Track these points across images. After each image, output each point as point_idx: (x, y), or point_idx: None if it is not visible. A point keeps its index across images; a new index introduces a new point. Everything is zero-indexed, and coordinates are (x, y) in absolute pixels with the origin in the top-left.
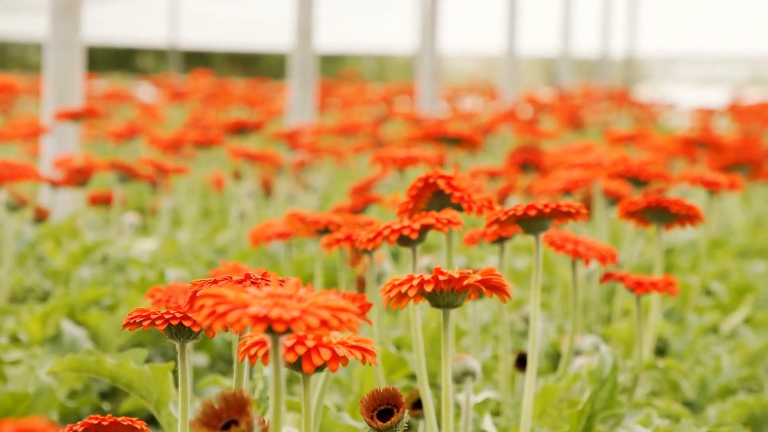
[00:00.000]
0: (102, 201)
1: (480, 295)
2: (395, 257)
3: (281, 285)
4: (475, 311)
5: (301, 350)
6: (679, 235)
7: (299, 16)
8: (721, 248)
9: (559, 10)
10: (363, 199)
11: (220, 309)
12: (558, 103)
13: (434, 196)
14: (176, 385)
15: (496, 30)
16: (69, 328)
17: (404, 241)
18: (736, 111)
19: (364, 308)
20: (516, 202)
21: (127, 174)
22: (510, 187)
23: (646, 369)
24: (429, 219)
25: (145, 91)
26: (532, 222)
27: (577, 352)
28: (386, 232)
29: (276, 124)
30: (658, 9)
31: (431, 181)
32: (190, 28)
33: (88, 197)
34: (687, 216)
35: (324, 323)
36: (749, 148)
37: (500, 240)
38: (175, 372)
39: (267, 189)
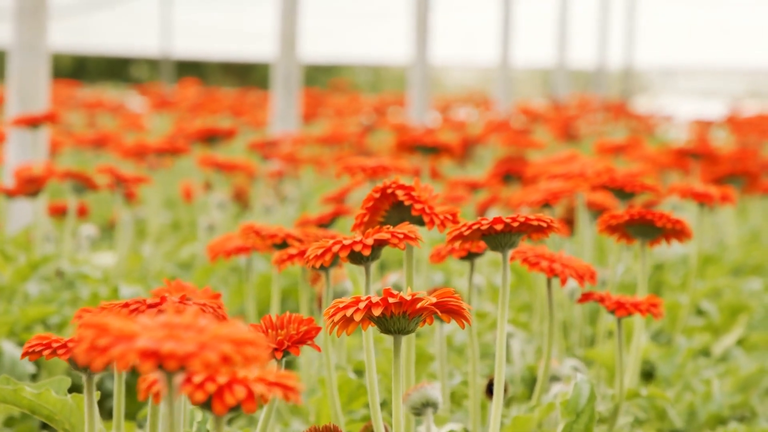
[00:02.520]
0: (63, 212)
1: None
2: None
3: (179, 312)
4: (442, 333)
5: (211, 388)
6: (670, 250)
7: (282, 24)
8: (713, 265)
9: (555, 20)
10: (331, 211)
11: (101, 342)
12: (553, 114)
13: (393, 209)
14: (110, 416)
15: (492, 41)
16: (9, 349)
17: (356, 258)
18: (734, 123)
19: (311, 332)
20: (497, 215)
21: (83, 184)
22: (493, 199)
23: (628, 398)
24: (383, 234)
25: (135, 100)
26: (499, 237)
27: (556, 378)
28: (335, 248)
29: (261, 133)
30: (657, 21)
31: (389, 191)
32: (183, 37)
33: (48, 208)
34: (673, 231)
35: (225, 359)
36: (745, 160)
37: (470, 256)
38: (101, 402)
39: (242, 200)
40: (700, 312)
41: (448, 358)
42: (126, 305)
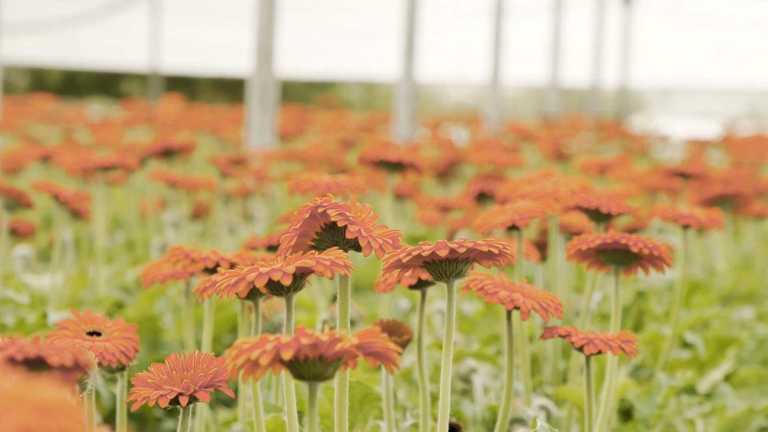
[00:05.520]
0: (13, 231)
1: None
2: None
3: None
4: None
5: None
6: (655, 275)
7: (258, 38)
8: (701, 292)
9: (549, 39)
10: (281, 232)
11: None
12: (544, 132)
13: (326, 231)
14: None
15: (484, 58)
16: None
17: (276, 287)
18: (730, 143)
19: (222, 374)
20: (467, 238)
21: (15, 200)
22: (467, 220)
23: None
24: (307, 260)
25: (120, 115)
26: (443, 265)
27: (520, 420)
28: (250, 277)
29: (238, 149)
30: (653, 40)
31: (320, 210)
32: (173, 53)
33: None
34: (650, 258)
35: None
36: (738, 181)
37: (420, 284)
38: None
39: (204, 218)
40: (685, 344)
41: (407, 395)
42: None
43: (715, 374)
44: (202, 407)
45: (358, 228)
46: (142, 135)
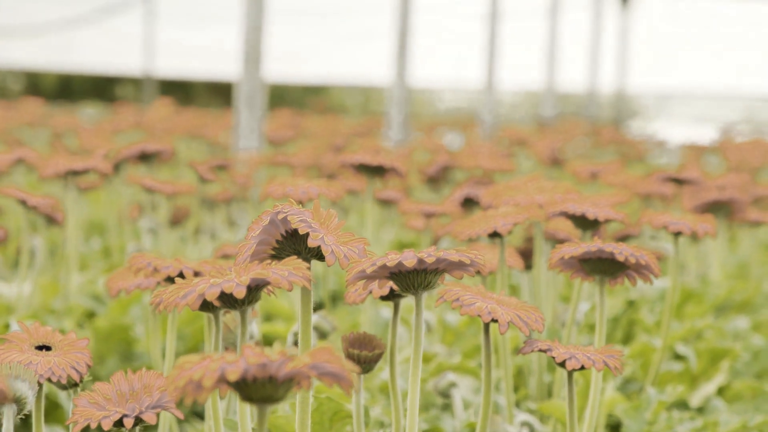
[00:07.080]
0: None
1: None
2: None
3: None
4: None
5: None
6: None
7: (246, 41)
8: (694, 302)
9: (544, 43)
10: None
11: None
12: (539, 137)
13: (287, 239)
14: None
15: (481, 63)
16: None
17: (229, 301)
18: (727, 148)
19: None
20: (450, 247)
21: None
22: (455, 226)
23: None
24: (262, 271)
25: (113, 120)
26: (411, 276)
27: None
28: (200, 289)
29: (225, 154)
30: (651, 44)
31: (281, 217)
32: (167, 57)
33: None
34: (637, 267)
35: None
36: (733, 187)
37: (393, 295)
38: None
39: (182, 224)
40: (677, 356)
41: (384, 410)
42: None
43: (708, 388)
44: (170, 421)
45: (320, 236)
46: (132, 139)
